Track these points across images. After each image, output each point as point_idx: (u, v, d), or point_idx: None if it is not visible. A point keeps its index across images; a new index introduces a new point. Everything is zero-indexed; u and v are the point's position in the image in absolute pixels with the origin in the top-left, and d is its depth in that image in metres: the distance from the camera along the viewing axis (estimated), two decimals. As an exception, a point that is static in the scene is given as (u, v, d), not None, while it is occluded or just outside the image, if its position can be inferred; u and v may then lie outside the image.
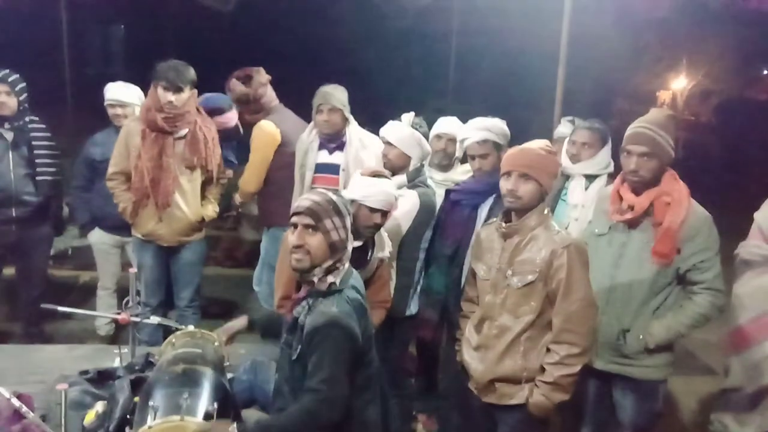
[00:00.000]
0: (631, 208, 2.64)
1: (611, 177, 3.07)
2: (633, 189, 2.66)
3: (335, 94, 3.54)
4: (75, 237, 5.37)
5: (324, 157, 3.65)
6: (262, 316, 2.42)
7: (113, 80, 4.18)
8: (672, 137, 2.61)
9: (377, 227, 2.70)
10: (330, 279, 2.08)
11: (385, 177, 2.77)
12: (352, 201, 2.60)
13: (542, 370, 2.43)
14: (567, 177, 3.28)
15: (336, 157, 3.63)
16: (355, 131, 3.65)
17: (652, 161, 2.59)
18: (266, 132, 3.81)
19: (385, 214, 2.70)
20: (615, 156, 3.00)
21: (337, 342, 1.98)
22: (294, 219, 2.12)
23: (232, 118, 4.06)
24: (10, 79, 3.62)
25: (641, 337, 2.65)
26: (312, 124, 3.68)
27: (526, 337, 2.46)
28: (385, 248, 2.82)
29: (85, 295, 4.82)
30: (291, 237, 2.10)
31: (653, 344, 2.64)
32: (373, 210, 2.64)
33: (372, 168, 2.92)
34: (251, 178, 3.90)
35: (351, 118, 3.66)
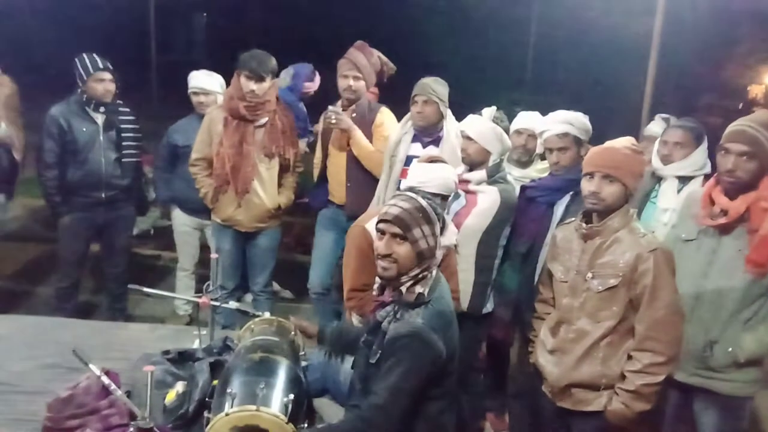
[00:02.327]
0: (725, 212, 2.49)
1: (707, 179, 2.88)
2: (727, 192, 2.51)
3: (432, 86, 3.40)
4: (157, 218, 5.59)
5: (416, 149, 3.44)
6: (332, 331, 2.43)
7: (196, 68, 4.30)
8: None
9: None
10: (418, 289, 2.04)
11: (442, 162, 2.74)
12: (411, 189, 2.58)
13: (623, 377, 2.35)
14: (658, 178, 3.13)
15: (429, 152, 3.39)
16: (452, 127, 3.46)
17: (751, 162, 2.43)
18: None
19: (445, 198, 2.68)
20: (711, 157, 2.84)
21: (414, 355, 1.95)
22: (381, 226, 2.07)
23: (316, 83, 4.40)
24: (110, 67, 3.76)
25: (730, 350, 2.50)
26: (408, 114, 3.54)
27: (606, 342, 2.38)
28: (449, 235, 2.77)
29: (165, 274, 5.02)
30: (378, 244, 2.07)
31: (743, 358, 2.49)
32: (433, 195, 2.60)
33: (429, 154, 2.87)
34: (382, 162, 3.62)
35: (449, 113, 3.49)
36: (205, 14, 11.47)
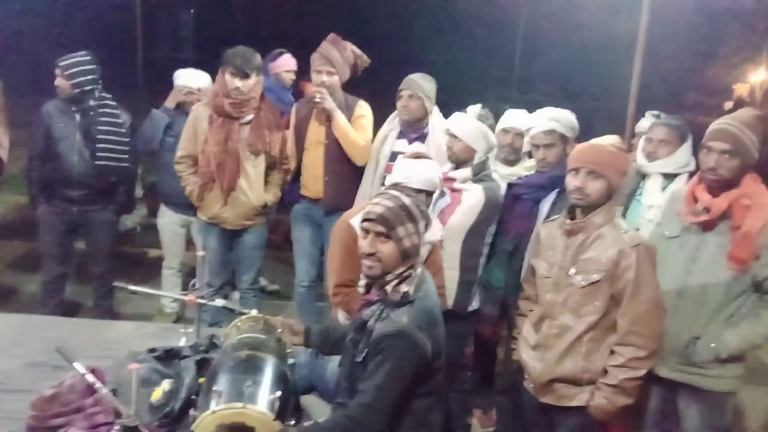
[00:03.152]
0: (707, 209, 2.52)
1: (692, 176, 2.89)
2: (709, 189, 2.54)
3: (418, 81, 3.43)
4: (144, 215, 5.57)
5: (402, 146, 3.49)
6: (318, 330, 2.43)
7: (183, 64, 4.28)
8: (759, 138, 2.46)
9: None
10: (403, 288, 2.04)
11: (427, 158, 2.76)
12: (395, 185, 2.59)
13: (605, 372, 2.38)
14: (642, 176, 3.16)
15: (415, 148, 3.40)
16: (438, 123, 3.49)
17: (733, 160, 2.46)
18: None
19: (429, 194, 2.70)
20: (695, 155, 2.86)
21: (400, 354, 1.95)
22: (365, 225, 2.07)
23: (284, 64, 4.49)
24: (62, 63, 3.65)
25: (713, 345, 2.53)
26: (395, 112, 3.56)
27: (588, 337, 2.41)
28: (434, 231, 2.79)
29: (152, 272, 4.99)
30: (362, 243, 2.07)
31: (726, 354, 2.52)
32: (417, 191, 2.62)
33: (413, 150, 2.90)
34: (368, 153, 3.65)
35: (435, 108, 3.52)
36: (192, 10, 11.40)
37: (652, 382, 2.62)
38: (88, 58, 3.72)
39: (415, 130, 3.50)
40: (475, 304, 3.11)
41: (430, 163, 2.74)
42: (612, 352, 2.37)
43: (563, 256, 2.46)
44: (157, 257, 5.05)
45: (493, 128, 3.20)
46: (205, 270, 3.79)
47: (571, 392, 2.44)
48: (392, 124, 3.57)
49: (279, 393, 1.98)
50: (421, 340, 1.98)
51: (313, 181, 3.77)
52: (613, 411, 2.37)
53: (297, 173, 3.87)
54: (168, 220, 4.30)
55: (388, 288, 2.05)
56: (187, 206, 3.96)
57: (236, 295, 4.27)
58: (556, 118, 3.00)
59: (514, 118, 3.48)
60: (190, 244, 4.41)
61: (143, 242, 5.69)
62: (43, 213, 3.89)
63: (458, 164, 3.06)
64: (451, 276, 2.98)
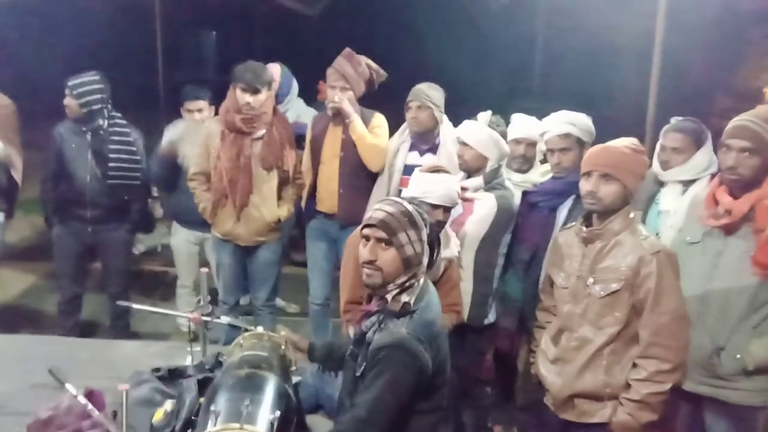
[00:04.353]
0: (729, 212, 2.40)
1: (713, 178, 2.73)
2: (730, 191, 2.43)
3: (427, 92, 3.39)
4: (164, 234, 5.57)
5: (414, 158, 3.46)
6: (323, 346, 2.37)
7: (205, 86, 4.28)
8: None
9: (441, 225, 2.61)
10: (404, 298, 1.96)
11: (446, 172, 2.70)
12: (412, 199, 2.52)
13: (627, 386, 2.28)
14: (661, 182, 3.02)
15: (427, 160, 3.41)
16: (449, 133, 3.44)
17: (753, 158, 2.35)
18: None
19: (448, 210, 2.63)
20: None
21: (398, 365, 1.87)
22: (366, 231, 2.00)
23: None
24: (70, 83, 3.69)
25: (738, 357, 2.40)
26: (405, 123, 3.53)
27: (609, 350, 2.31)
28: (451, 247, 2.71)
29: (173, 291, 4.98)
30: (362, 250, 1.99)
31: (753, 366, 2.38)
32: (435, 206, 2.56)
33: (431, 164, 2.83)
34: (384, 159, 3.62)
35: (444, 118, 3.49)
36: (214, 32, 11.55)
37: (677, 396, 2.49)
38: (97, 78, 3.75)
39: (426, 141, 3.46)
40: (491, 317, 3.02)
41: (449, 177, 2.68)
42: (634, 366, 2.28)
43: (581, 265, 2.38)
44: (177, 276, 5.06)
45: (504, 135, 3.12)
46: (213, 286, 3.77)
47: (592, 408, 2.35)
48: (403, 136, 3.53)
49: (279, 413, 1.90)
50: (421, 352, 1.90)
51: (328, 196, 3.73)
52: (637, 427, 2.27)
53: (311, 188, 3.82)
54: (182, 238, 4.28)
55: (388, 297, 1.97)
56: (201, 223, 3.93)
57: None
58: (572, 121, 2.92)
59: (524, 127, 3.38)
60: (205, 263, 4.38)
61: (164, 261, 5.70)
62: (58, 234, 3.92)
63: (470, 173, 3.00)
64: (465, 288, 2.91)
